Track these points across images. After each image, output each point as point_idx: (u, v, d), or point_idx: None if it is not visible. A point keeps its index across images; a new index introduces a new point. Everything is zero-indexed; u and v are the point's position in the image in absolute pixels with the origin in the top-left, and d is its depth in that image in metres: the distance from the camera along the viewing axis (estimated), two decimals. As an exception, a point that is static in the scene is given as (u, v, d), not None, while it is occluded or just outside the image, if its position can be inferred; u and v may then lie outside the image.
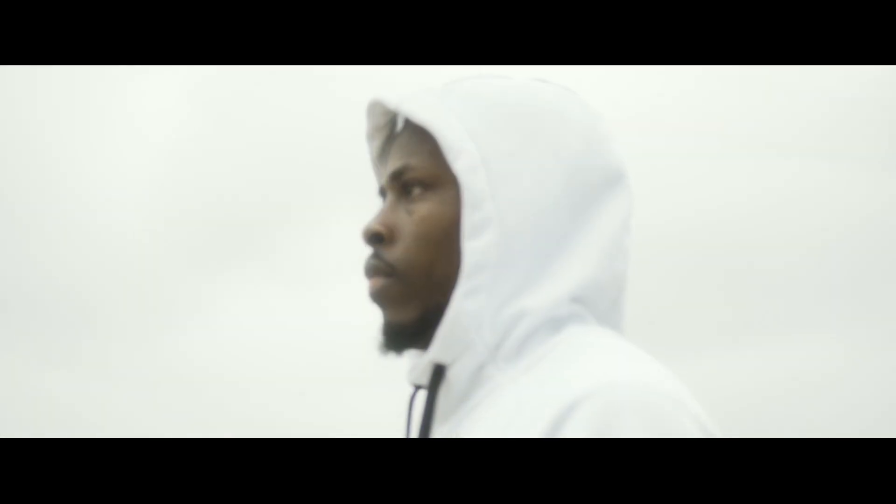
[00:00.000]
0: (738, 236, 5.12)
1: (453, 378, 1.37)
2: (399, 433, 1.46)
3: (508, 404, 1.31)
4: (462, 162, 1.35)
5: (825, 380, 5.10)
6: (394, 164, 1.43)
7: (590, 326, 1.37)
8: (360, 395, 5.29)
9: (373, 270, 1.41)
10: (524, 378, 1.33)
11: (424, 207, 1.39)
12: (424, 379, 1.40)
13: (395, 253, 1.40)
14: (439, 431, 1.39)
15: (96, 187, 5.52)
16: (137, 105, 5.44)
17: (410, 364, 1.45)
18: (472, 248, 1.34)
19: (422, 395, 1.43)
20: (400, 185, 1.42)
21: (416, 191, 1.40)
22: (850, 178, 5.10)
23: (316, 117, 5.31)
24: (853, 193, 5.11)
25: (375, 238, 1.41)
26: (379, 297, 1.40)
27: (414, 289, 1.39)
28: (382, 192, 1.47)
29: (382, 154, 1.52)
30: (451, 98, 1.40)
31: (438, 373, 1.38)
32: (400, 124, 1.49)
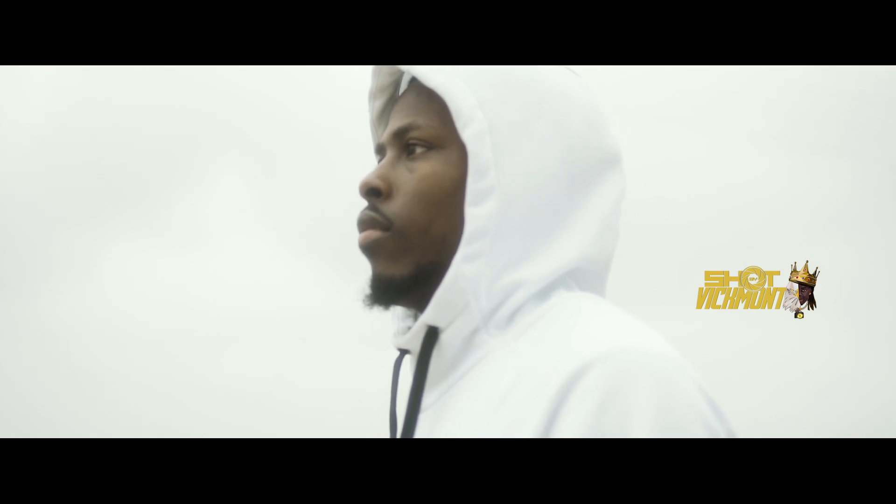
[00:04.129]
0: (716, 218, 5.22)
1: (446, 342, 1.39)
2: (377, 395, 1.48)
3: (506, 372, 1.33)
4: (471, 129, 1.37)
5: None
6: (398, 121, 1.44)
7: (576, 292, 1.41)
8: (243, 352, 5.29)
9: (368, 222, 1.42)
10: (518, 344, 1.35)
11: (427, 166, 1.41)
12: (415, 343, 1.41)
13: (392, 207, 1.41)
14: (429, 396, 1.41)
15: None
16: (21, 72, 5.35)
17: (395, 328, 1.47)
18: (475, 214, 1.36)
19: (408, 360, 1.44)
20: (402, 143, 1.43)
21: (419, 150, 1.42)
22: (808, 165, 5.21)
23: (200, 73, 5.27)
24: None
25: (373, 192, 1.42)
26: (372, 249, 1.41)
27: (410, 245, 1.40)
28: (379, 150, 1.48)
29: (382, 114, 1.54)
30: (462, 67, 1.41)
31: (431, 336, 1.39)
32: (404, 86, 1.51)
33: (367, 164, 1.50)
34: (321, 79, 4.86)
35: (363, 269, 1.45)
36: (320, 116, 4.94)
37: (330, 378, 4.97)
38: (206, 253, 5.37)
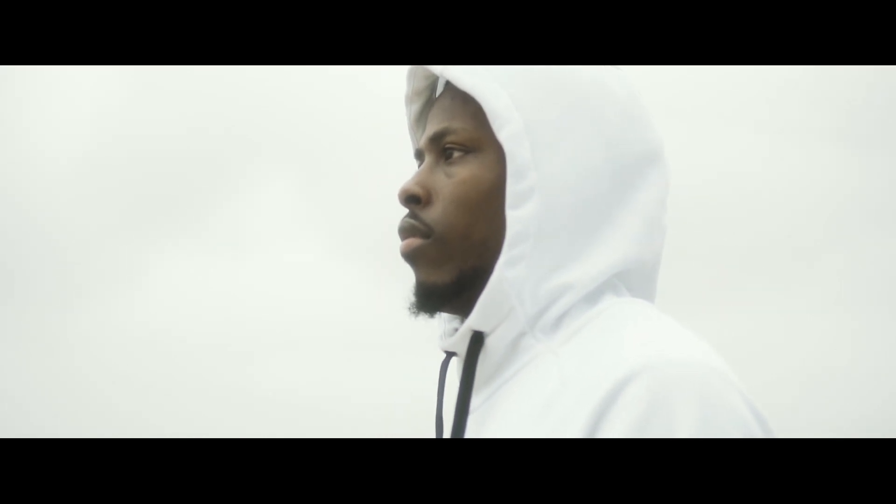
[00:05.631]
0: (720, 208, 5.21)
1: (492, 346, 1.37)
2: (432, 399, 1.45)
3: (550, 378, 1.31)
4: (507, 130, 1.35)
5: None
6: (434, 126, 1.43)
7: (625, 297, 1.39)
8: (290, 360, 5.30)
9: (409, 230, 1.41)
10: (563, 350, 1.33)
11: (465, 170, 1.39)
12: (461, 346, 1.40)
13: (432, 214, 1.40)
14: (475, 398, 1.39)
15: (26, 159, 5.47)
16: (67, 75, 5.39)
17: (441, 330, 1.46)
18: (515, 217, 1.34)
19: (454, 363, 1.43)
20: (439, 148, 1.42)
21: (456, 154, 1.40)
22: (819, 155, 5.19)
23: (249, 81, 5.29)
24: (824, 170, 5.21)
25: (412, 199, 1.41)
26: (414, 257, 1.40)
27: (451, 251, 1.39)
28: (418, 155, 1.47)
29: (420, 118, 1.52)
30: (496, 68, 1.39)
31: (477, 340, 1.38)
32: (440, 89, 1.49)
33: (413, 171, 1.48)
34: (368, 84, 4.87)
35: (410, 276, 1.44)
36: (368, 122, 4.95)
37: (376, 384, 4.97)
38: (253, 261, 5.38)
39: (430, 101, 1.52)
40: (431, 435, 1.46)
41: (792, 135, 5.14)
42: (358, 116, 5.07)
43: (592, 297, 1.37)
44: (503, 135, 1.35)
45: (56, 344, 5.35)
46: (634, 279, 1.41)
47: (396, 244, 1.43)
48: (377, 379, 4.99)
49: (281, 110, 5.39)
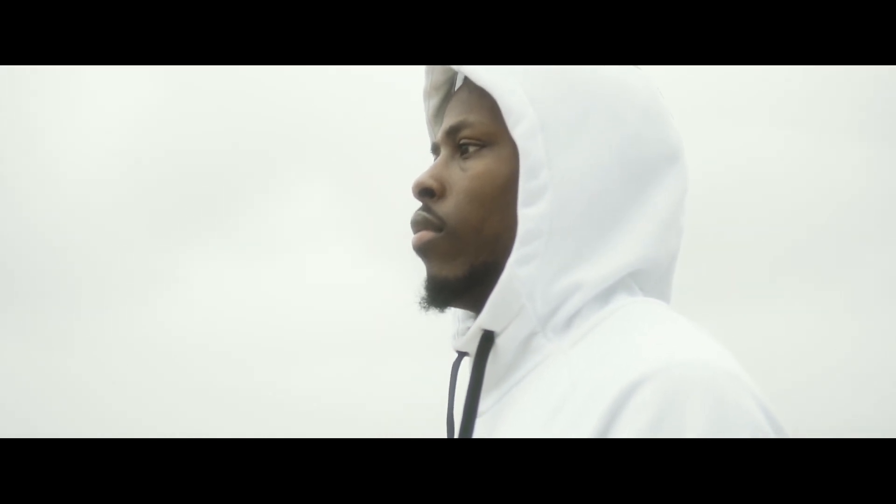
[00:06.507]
0: (722, 204, 5.19)
1: (502, 346, 1.36)
2: (444, 397, 1.45)
3: (560, 381, 1.30)
4: (522, 127, 1.34)
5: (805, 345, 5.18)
6: (450, 119, 1.42)
7: (637, 297, 1.37)
8: (340, 359, 5.31)
9: (422, 223, 1.40)
10: (574, 351, 1.32)
11: (480, 164, 1.38)
12: (472, 346, 1.39)
13: (445, 208, 1.39)
14: (485, 400, 1.38)
15: (63, 162, 5.50)
16: (104, 78, 5.42)
17: (453, 330, 1.45)
18: (527, 214, 1.33)
19: (466, 362, 1.42)
20: (455, 142, 1.41)
21: (472, 148, 1.39)
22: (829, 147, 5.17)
23: (281, 85, 5.30)
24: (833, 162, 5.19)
25: (426, 192, 1.40)
26: (426, 250, 1.39)
27: (463, 245, 1.38)
28: (435, 149, 1.46)
29: (438, 113, 1.52)
30: (516, 66, 1.38)
31: (487, 340, 1.37)
32: (458, 83, 1.48)
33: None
34: (401, 87, 4.87)
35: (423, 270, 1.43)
36: (400, 126, 4.95)
37: (410, 388, 4.98)
38: (284, 265, 5.40)
39: (448, 95, 1.51)
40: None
41: (819, 132, 5.12)
42: (390, 120, 5.07)
43: (604, 296, 1.36)
44: (517, 132, 1.34)
45: (88, 347, 5.38)
46: (648, 279, 1.39)
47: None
48: (410, 382, 5.00)
49: (312, 114, 5.40)
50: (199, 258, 5.54)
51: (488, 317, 1.36)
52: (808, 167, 5.20)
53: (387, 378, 5.15)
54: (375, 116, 5.25)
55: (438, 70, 1.49)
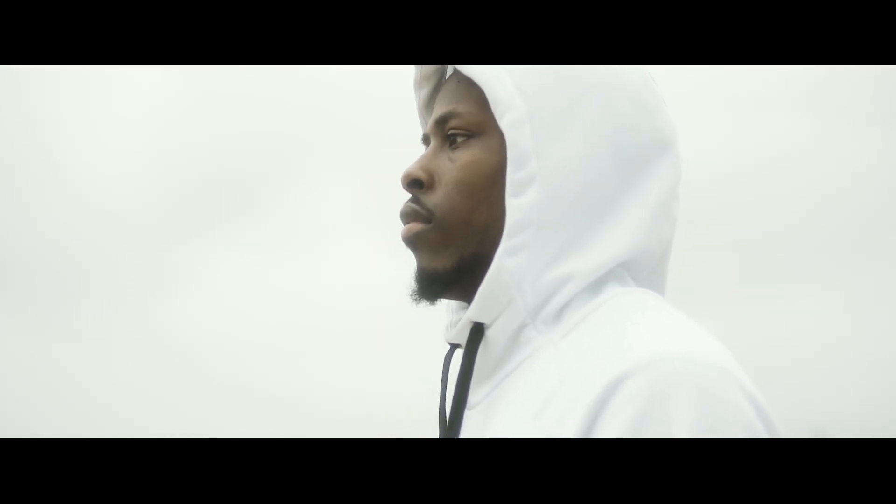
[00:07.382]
0: (738, 192, 5.18)
1: (492, 338, 1.35)
2: (435, 390, 1.44)
3: (549, 373, 1.29)
4: (509, 117, 1.33)
5: (828, 331, 5.17)
6: (439, 110, 1.41)
7: (629, 287, 1.36)
8: (358, 356, 5.31)
9: (410, 215, 1.39)
10: (564, 343, 1.31)
11: (468, 154, 1.37)
12: (462, 338, 1.38)
13: (434, 199, 1.38)
14: (477, 392, 1.37)
15: (87, 158, 5.52)
16: (128, 73, 5.44)
17: (447, 321, 1.44)
18: (516, 205, 1.32)
19: (458, 354, 1.41)
20: (444, 132, 1.40)
21: (460, 138, 1.38)
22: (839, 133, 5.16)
23: (307, 80, 5.31)
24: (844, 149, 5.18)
25: (415, 183, 1.39)
26: (415, 241, 1.39)
27: (451, 236, 1.37)
28: (426, 140, 1.45)
29: (429, 103, 1.50)
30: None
31: (477, 332, 1.36)
32: (448, 73, 1.47)
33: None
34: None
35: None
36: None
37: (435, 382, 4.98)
38: (318, 258, 5.40)
39: (438, 85, 1.50)
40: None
41: (823, 127, 5.10)
42: (412, 117, 5.07)
43: (595, 287, 1.34)
44: (504, 122, 1.33)
45: (118, 342, 5.40)
46: (641, 270, 1.37)
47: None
48: (432, 378, 4.99)
49: (333, 111, 5.40)
50: (221, 256, 5.55)
51: (477, 309, 1.34)
52: (808, 167, 5.19)
53: (409, 374, 5.15)
54: (396, 113, 5.26)
55: None
